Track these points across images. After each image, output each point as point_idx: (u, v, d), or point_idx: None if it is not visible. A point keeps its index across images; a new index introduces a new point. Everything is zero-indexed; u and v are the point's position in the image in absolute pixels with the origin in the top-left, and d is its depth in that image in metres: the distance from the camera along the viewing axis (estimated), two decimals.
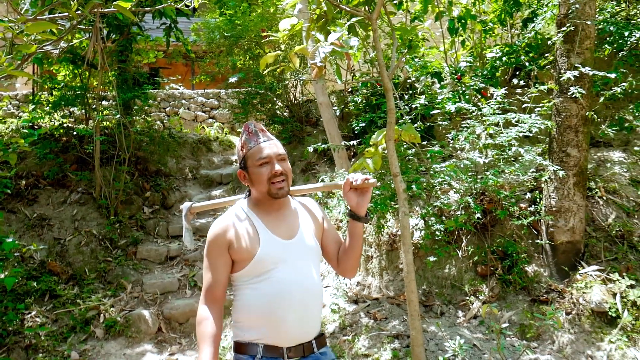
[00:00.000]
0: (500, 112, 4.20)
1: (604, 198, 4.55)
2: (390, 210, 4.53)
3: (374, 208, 4.19)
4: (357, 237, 2.08)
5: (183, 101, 10.43)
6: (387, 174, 4.41)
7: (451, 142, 4.66)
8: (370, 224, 4.88)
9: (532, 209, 4.46)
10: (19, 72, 2.81)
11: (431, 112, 4.76)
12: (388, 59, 4.25)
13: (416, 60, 5.60)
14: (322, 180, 4.94)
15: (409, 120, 4.27)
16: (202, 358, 1.85)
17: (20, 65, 3.42)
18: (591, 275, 4.00)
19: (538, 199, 4.53)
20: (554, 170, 4.06)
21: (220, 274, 1.96)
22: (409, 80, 5.73)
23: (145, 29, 7.18)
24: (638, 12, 5.42)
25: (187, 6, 3.96)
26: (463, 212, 4.41)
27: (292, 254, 1.97)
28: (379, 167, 3.17)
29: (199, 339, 1.91)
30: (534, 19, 5.63)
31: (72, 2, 2.91)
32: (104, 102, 7.14)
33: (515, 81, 5.67)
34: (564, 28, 4.19)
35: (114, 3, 2.78)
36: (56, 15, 3.41)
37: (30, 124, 7.01)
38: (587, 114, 4.18)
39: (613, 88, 4.29)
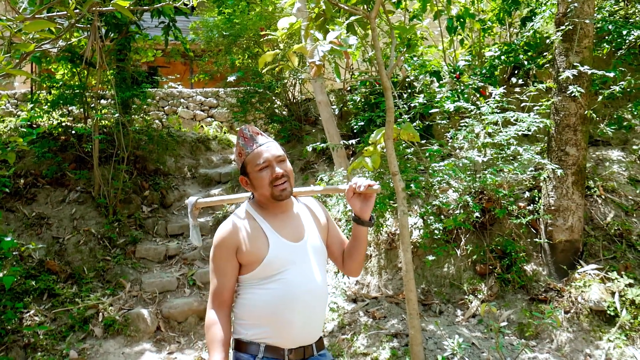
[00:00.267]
0: (498, 111, 4.21)
1: (603, 197, 4.56)
2: (389, 209, 4.53)
3: (373, 208, 4.19)
4: (361, 240, 2.09)
5: (182, 100, 10.42)
6: (386, 172, 4.41)
7: (450, 141, 4.66)
8: None
9: (530, 207, 4.47)
10: (17, 70, 2.80)
11: (430, 111, 4.76)
12: (387, 58, 4.25)
13: (415, 59, 5.60)
14: (321, 179, 4.94)
15: (408, 119, 4.27)
16: (211, 356, 1.85)
17: (19, 64, 3.42)
18: (590, 274, 4.01)
19: (537, 198, 4.54)
20: (552, 169, 4.06)
21: (228, 278, 1.95)
22: (407, 79, 5.73)
23: (144, 28, 7.17)
24: (636, 10, 5.42)
25: (186, 5, 3.96)
26: (462, 211, 4.41)
27: (300, 256, 1.97)
28: (377, 165, 3.17)
29: (209, 344, 1.90)
30: (533, 17, 5.63)
31: (70, 1, 2.90)
32: (102, 101, 7.12)
33: (514, 80, 5.67)
34: (563, 27, 4.20)
35: (112, 2, 2.77)
36: (54, 13, 3.40)
37: (28, 123, 7.00)
38: (585, 112, 4.18)
39: (612, 87, 4.29)
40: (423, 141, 4.70)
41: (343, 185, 2.18)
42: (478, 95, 5.08)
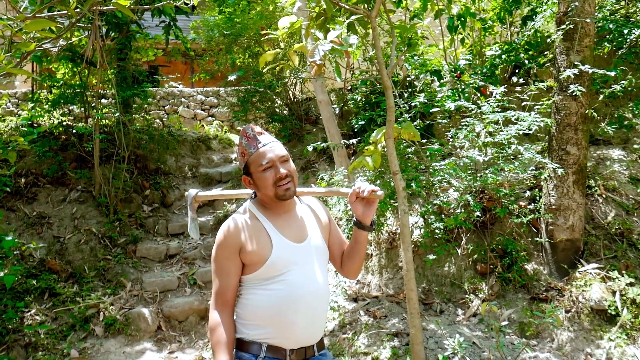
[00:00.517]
0: (499, 110, 4.20)
1: (604, 196, 4.56)
2: (389, 209, 4.53)
3: None
4: (361, 244, 2.09)
5: (182, 99, 10.42)
6: (386, 172, 4.41)
7: (451, 140, 4.66)
8: None
9: (531, 207, 4.46)
10: (18, 70, 2.80)
11: (430, 110, 4.76)
12: (387, 57, 4.25)
13: (415, 58, 5.60)
14: (322, 179, 4.94)
15: (409, 119, 4.26)
16: (217, 357, 1.85)
17: (20, 63, 3.42)
18: (590, 273, 4.01)
19: (537, 197, 4.54)
20: (553, 168, 4.06)
21: (232, 278, 1.94)
22: (408, 79, 5.72)
23: (145, 27, 7.17)
24: (637, 9, 5.42)
25: (186, 4, 3.95)
26: (462, 210, 4.41)
27: (303, 257, 1.97)
28: (378, 165, 3.17)
29: (214, 346, 1.89)
30: (534, 16, 5.63)
31: (70, 0, 2.90)
32: (103, 100, 7.13)
33: (514, 79, 5.67)
34: (564, 26, 4.19)
35: (112, 1, 2.77)
36: (55, 13, 3.40)
37: (29, 122, 7.00)
38: (586, 111, 4.18)
39: (612, 86, 4.29)
40: (424, 140, 4.70)
41: (346, 188, 2.17)
42: (479, 95, 5.08)
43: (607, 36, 4.84)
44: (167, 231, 6.43)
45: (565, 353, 3.67)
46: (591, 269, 4.04)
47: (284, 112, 7.98)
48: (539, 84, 4.40)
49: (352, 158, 6.15)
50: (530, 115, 4.11)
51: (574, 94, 4.04)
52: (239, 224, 1.96)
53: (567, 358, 3.63)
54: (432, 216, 4.42)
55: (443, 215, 4.53)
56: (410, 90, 5.54)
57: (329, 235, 2.16)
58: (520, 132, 4.09)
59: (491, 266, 4.36)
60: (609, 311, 3.75)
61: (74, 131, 6.70)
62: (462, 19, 5.55)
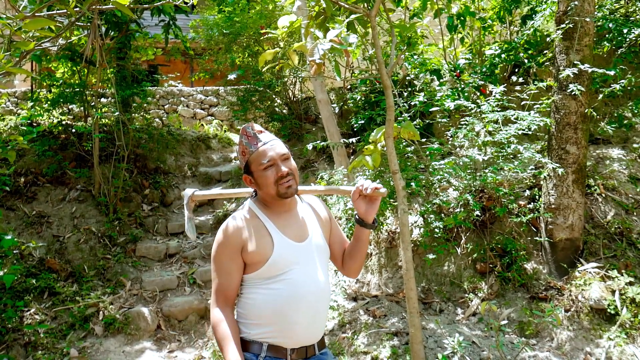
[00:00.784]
0: (499, 110, 4.20)
1: (603, 195, 4.56)
2: (389, 208, 4.53)
3: None
4: (363, 242, 2.09)
5: (182, 98, 10.42)
6: (386, 171, 4.41)
7: (450, 139, 4.65)
8: None
9: (531, 206, 4.47)
10: (17, 69, 2.80)
11: (430, 110, 4.76)
12: (387, 56, 4.24)
13: (415, 57, 5.60)
14: (322, 178, 4.94)
15: (408, 118, 4.27)
16: (230, 354, 1.82)
17: (19, 62, 3.41)
18: (590, 273, 4.01)
19: (537, 196, 4.54)
20: (553, 167, 4.06)
21: (233, 277, 1.93)
22: (407, 78, 5.72)
23: (144, 26, 7.16)
24: (637, 8, 5.41)
25: (186, 3, 3.95)
26: (462, 210, 4.41)
27: (304, 256, 1.96)
28: (378, 164, 3.17)
29: (221, 340, 1.87)
30: (533, 16, 5.63)
31: None
32: (102, 100, 7.12)
33: (514, 78, 5.67)
34: (563, 25, 4.19)
35: (112, 0, 2.77)
36: (54, 12, 3.39)
37: (29, 122, 7.00)
38: (586, 111, 4.18)
39: (612, 85, 4.29)
40: (423, 139, 4.70)
41: (348, 186, 2.17)
42: (478, 94, 5.08)
43: (607, 35, 4.83)
44: (166, 230, 6.43)
45: (564, 352, 3.68)
46: (591, 268, 4.04)
47: (284, 111, 7.98)
48: (539, 83, 4.39)
49: (352, 157, 6.15)
50: (529, 114, 4.11)
51: (574, 93, 4.04)
52: (239, 223, 1.96)
53: (566, 357, 3.63)
54: (431, 215, 4.42)
55: (443, 215, 4.53)
56: (409, 89, 5.54)
57: (330, 234, 2.16)
58: (520, 132, 4.09)
59: (491, 265, 4.36)
60: (609, 310, 3.76)
61: (74, 130, 6.70)
62: (462, 18, 5.54)
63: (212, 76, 8.89)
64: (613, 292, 3.84)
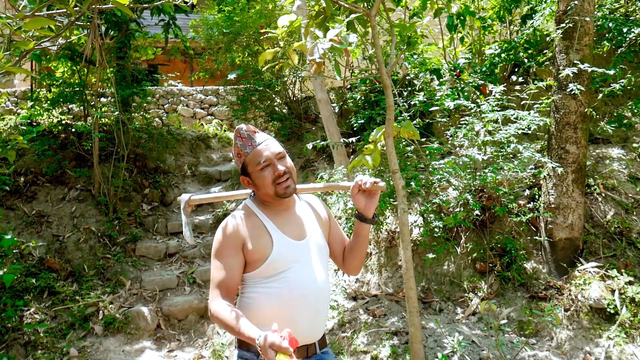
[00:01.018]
0: (499, 109, 4.20)
1: (603, 195, 4.56)
2: (389, 207, 4.54)
3: None
4: (363, 238, 2.09)
5: (182, 98, 10.42)
6: (386, 170, 4.41)
7: (450, 139, 4.66)
8: None
9: (530, 205, 4.47)
10: (17, 68, 2.80)
11: (430, 109, 4.76)
12: (387, 56, 4.24)
13: (415, 57, 5.60)
14: (322, 177, 4.94)
15: (408, 117, 4.27)
16: (246, 329, 1.73)
17: (18, 61, 3.41)
18: (590, 272, 4.01)
19: (537, 196, 4.54)
20: (552, 167, 4.06)
21: (235, 272, 1.89)
22: (407, 77, 5.72)
23: (144, 26, 7.16)
24: (637, 8, 5.41)
25: (186, 2, 3.95)
26: (462, 209, 4.41)
27: (304, 255, 1.96)
28: (377, 164, 3.17)
29: (229, 321, 1.78)
30: (533, 15, 5.62)
31: None
32: (102, 99, 7.12)
33: (514, 78, 5.67)
34: (563, 24, 4.19)
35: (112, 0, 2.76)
36: (54, 11, 3.39)
37: (28, 121, 7.00)
38: (585, 110, 4.18)
39: (612, 85, 4.29)
40: (423, 139, 4.70)
41: (347, 182, 2.17)
42: (478, 93, 5.08)
43: (607, 35, 4.83)
44: (166, 230, 6.43)
45: (564, 351, 3.68)
46: (590, 268, 4.04)
47: (284, 110, 7.98)
48: (539, 82, 4.39)
49: (352, 157, 6.15)
50: (529, 114, 4.10)
51: (573, 92, 4.04)
52: (239, 221, 1.95)
53: (566, 356, 3.64)
54: (431, 215, 4.43)
55: (442, 214, 4.53)
56: (409, 89, 5.54)
57: (329, 232, 2.16)
58: (520, 131, 4.09)
59: (490, 265, 4.37)
60: (608, 310, 3.76)
61: (73, 130, 6.70)
62: (462, 17, 5.54)
63: (212, 76, 8.89)
64: (613, 291, 3.84)
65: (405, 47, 5.52)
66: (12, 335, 4.40)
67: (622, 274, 3.91)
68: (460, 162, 4.24)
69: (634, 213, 4.43)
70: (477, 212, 4.21)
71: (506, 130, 4.06)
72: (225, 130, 9.59)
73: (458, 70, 5.40)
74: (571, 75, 4.03)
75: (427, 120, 5.12)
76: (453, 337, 3.59)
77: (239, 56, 7.97)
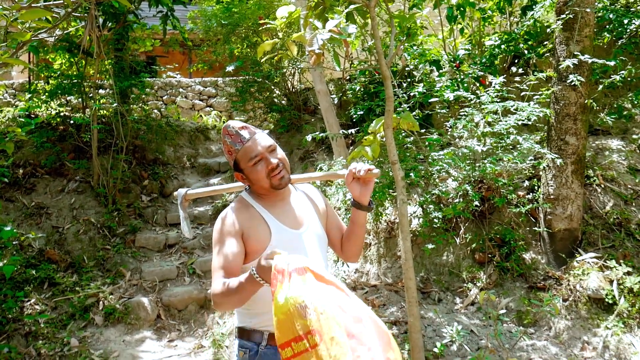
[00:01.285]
0: (498, 100, 4.20)
1: (602, 186, 4.57)
2: (388, 198, 4.54)
3: (372, 196, 4.19)
4: (360, 225, 2.09)
5: (180, 89, 10.39)
6: (385, 161, 4.41)
7: (449, 130, 4.65)
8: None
9: (530, 196, 4.47)
10: (14, 60, 2.79)
11: (429, 100, 4.75)
12: (386, 47, 4.23)
13: (414, 48, 5.58)
14: (321, 169, 4.94)
15: (407, 108, 4.26)
16: (238, 280, 1.71)
17: (15, 53, 3.40)
18: (588, 263, 4.03)
19: (536, 187, 4.55)
20: (552, 158, 4.06)
21: (235, 258, 1.86)
22: (407, 68, 5.71)
23: (142, 17, 7.12)
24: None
25: None
26: (461, 200, 4.42)
27: (302, 244, 1.96)
28: (377, 155, 3.17)
29: (227, 288, 1.74)
30: (533, 6, 5.60)
31: None
32: (100, 91, 7.10)
33: (514, 69, 5.65)
34: (563, 16, 4.18)
35: None
36: (51, 2, 3.37)
37: (27, 113, 6.98)
38: (585, 102, 4.18)
39: (612, 76, 4.28)
40: (422, 130, 4.70)
41: (342, 170, 2.17)
42: (478, 85, 5.07)
43: (607, 26, 4.82)
44: (165, 221, 6.44)
45: (562, 341, 3.70)
46: (589, 258, 4.06)
47: (283, 102, 7.96)
48: (538, 74, 4.39)
49: (351, 148, 6.14)
50: (529, 105, 4.10)
51: (573, 84, 4.04)
52: (237, 212, 1.95)
53: (564, 346, 3.66)
54: (430, 206, 4.43)
55: (442, 205, 4.54)
56: (409, 80, 5.53)
57: (327, 221, 2.16)
58: (519, 122, 4.09)
59: (489, 255, 4.38)
60: (606, 300, 3.78)
61: (72, 122, 6.68)
62: (462, 8, 5.52)
63: (210, 67, 8.86)
64: (611, 282, 3.86)
65: (404, 38, 5.50)
66: (13, 326, 4.42)
67: (620, 265, 3.93)
68: (460, 153, 4.24)
69: (633, 204, 4.44)
70: (476, 203, 4.22)
71: (506, 121, 4.06)
72: (224, 122, 9.58)
73: (458, 62, 5.39)
74: (571, 66, 4.03)
75: (427, 112, 5.11)
76: (452, 327, 3.61)
77: (237, 47, 7.94)
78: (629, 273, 3.87)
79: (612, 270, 3.91)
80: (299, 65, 7.12)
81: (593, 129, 5.20)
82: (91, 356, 4.20)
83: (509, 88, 4.55)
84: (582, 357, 3.55)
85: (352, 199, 2.06)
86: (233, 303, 1.80)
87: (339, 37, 2.58)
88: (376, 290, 4.50)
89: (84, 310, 4.76)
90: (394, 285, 4.51)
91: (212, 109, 10.29)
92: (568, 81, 4.09)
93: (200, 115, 9.77)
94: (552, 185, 4.27)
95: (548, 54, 5.23)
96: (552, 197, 4.25)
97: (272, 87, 7.86)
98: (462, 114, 4.33)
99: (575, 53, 4.08)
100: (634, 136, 5.03)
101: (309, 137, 4.75)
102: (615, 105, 5.12)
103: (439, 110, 4.84)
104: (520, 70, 5.46)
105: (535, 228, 4.37)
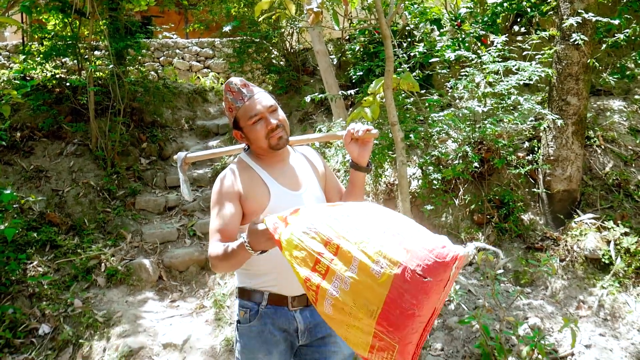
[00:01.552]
0: (500, 60, 4.14)
1: (602, 147, 4.55)
2: (388, 160, 4.53)
3: (372, 157, 4.19)
4: (358, 187, 2.09)
5: (177, 51, 10.23)
6: (385, 123, 4.38)
7: (450, 90, 4.60)
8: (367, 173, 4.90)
9: (529, 157, 4.47)
10: (6, 18, 2.73)
11: (430, 60, 4.69)
12: (386, 6, 4.14)
13: (415, 6, 5.46)
14: (320, 130, 4.91)
15: (407, 69, 4.20)
16: (231, 246, 1.73)
17: (6, 11, 3.32)
18: (586, 223, 4.05)
19: (536, 148, 4.53)
20: (552, 119, 4.03)
21: (233, 220, 1.87)
22: (407, 28, 5.60)
23: None
24: None
25: None
26: (461, 161, 4.41)
27: (301, 205, 1.97)
28: (377, 116, 3.14)
29: (222, 251, 1.76)
30: None
31: None
32: (96, 52, 6.99)
33: (516, 28, 5.55)
34: None
35: None
36: None
37: (22, 75, 6.88)
38: (588, 61, 4.11)
39: (616, 35, 4.20)
40: (422, 91, 4.65)
41: (340, 131, 2.15)
42: (479, 44, 4.99)
43: None
44: (165, 184, 6.45)
45: (558, 300, 3.76)
46: (587, 219, 4.08)
47: (281, 63, 7.85)
48: (541, 32, 4.31)
49: (350, 109, 6.10)
50: (531, 65, 4.04)
51: (577, 43, 3.97)
52: (235, 173, 1.95)
53: (559, 305, 3.72)
54: (430, 167, 4.43)
55: (441, 166, 4.54)
56: (409, 39, 5.43)
57: (326, 182, 2.16)
58: (521, 83, 4.04)
59: (488, 216, 4.41)
60: (603, 260, 3.82)
61: (68, 84, 6.60)
62: None
63: (207, 27, 8.70)
64: (608, 242, 3.90)
65: None
66: (17, 288, 4.48)
67: (618, 226, 3.96)
68: (460, 114, 4.20)
69: (633, 165, 4.44)
70: (476, 164, 4.21)
71: (507, 81, 4.01)
72: (222, 83, 9.47)
73: (459, 21, 5.28)
74: (575, 25, 3.95)
75: (427, 72, 5.05)
76: None
77: (234, 7, 7.78)
78: (626, 234, 3.90)
79: (609, 231, 3.94)
80: (298, 25, 6.99)
81: (595, 89, 5.15)
82: (95, 316, 4.27)
83: (511, 47, 4.47)
84: (577, 315, 3.61)
85: (350, 160, 2.05)
86: (228, 267, 1.81)
87: None
88: None
89: (87, 272, 4.82)
90: None
91: (209, 70, 10.16)
92: (571, 40, 4.02)
93: (198, 77, 9.65)
94: (552, 147, 4.25)
95: (551, 12, 5.12)
96: (551, 158, 4.24)
97: (270, 48, 7.73)
98: (462, 74, 4.27)
99: (579, 11, 3.99)
100: (636, 96, 4.98)
101: (307, 99, 4.70)
102: (618, 65, 5.05)
103: (439, 71, 4.77)
104: (523, 29, 5.36)
105: (534, 189, 4.38)
